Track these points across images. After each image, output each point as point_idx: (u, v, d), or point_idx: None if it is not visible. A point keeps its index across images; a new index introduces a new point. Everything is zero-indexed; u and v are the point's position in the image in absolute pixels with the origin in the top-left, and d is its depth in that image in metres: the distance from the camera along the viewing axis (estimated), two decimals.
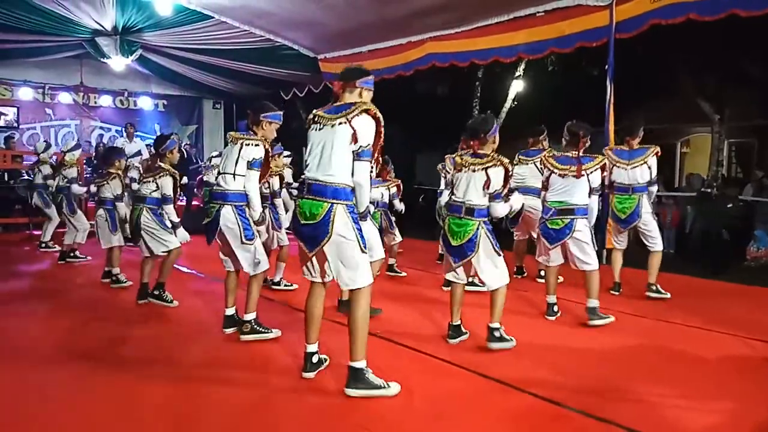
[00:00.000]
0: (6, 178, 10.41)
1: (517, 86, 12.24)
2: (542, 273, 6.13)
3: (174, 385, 3.20)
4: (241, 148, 3.93)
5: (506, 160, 3.76)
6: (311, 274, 3.22)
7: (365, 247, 3.06)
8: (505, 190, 3.79)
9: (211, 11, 8.95)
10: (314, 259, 3.16)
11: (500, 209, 3.78)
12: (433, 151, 12.59)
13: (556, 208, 4.46)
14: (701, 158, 12.89)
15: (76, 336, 4.09)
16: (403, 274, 6.44)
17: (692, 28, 6.43)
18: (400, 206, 6.38)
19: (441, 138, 13.17)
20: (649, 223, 5.34)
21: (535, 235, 6.13)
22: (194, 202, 11.34)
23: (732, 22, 6.06)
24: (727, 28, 7.00)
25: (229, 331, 4.14)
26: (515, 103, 12.38)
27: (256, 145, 3.92)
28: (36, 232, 8.47)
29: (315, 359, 3.26)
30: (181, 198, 5.54)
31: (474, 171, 3.77)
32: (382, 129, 3.06)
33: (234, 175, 3.95)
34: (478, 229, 3.76)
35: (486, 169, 3.72)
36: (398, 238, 6.30)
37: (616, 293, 5.50)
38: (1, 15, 8.50)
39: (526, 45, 7.79)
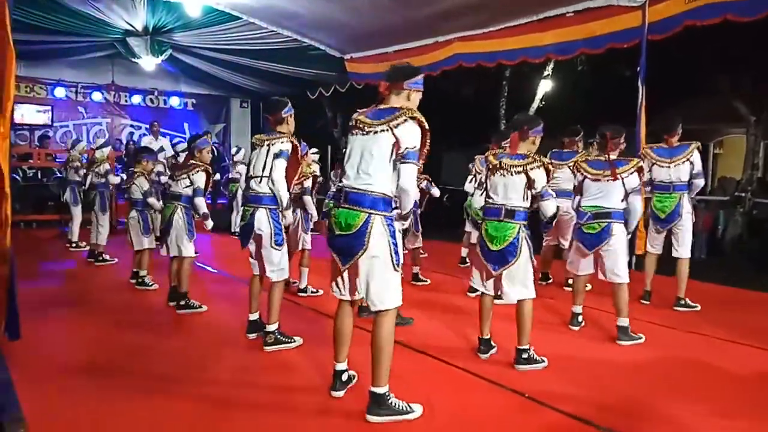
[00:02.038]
0: (39, 176, 10.70)
1: (545, 86, 12.08)
2: (570, 281, 6.04)
3: (198, 403, 3.10)
4: (268, 149, 3.93)
5: (546, 160, 3.66)
6: (340, 291, 3.06)
7: (398, 265, 2.89)
8: (548, 188, 3.68)
9: (239, 12, 9.02)
10: (345, 274, 2.99)
11: (551, 206, 3.65)
12: (460, 151, 12.52)
13: (592, 213, 4.33)
14: (735, 160, 12.55)
15: (102, 346, 4.02)
16: (427, 281, 6.35)
17: (727, 27, 6.24)
18: (436, 191, 6.41)
19: (467, 137, 13.10)
20: (684, 225, 5.19)
21: (563, 241, 6.04)
22: (219, 201, 11.48)
23: None
24: (764, 28, 6.78)
25: (253, 336, 4.14)
26: (543, 103, 12.21)
27: (282, 142, 3.92)
28: (67, 229, 8.65)
29: (345, 377, 3.13)
30: (207, 198, 5.53)
31: (513, 174, 3.64)
32: (428, 138, 2.88)
33: (263, 177, 3.93)
34: (519, 232, 3.63)
35: (526, 171, 3.61)
36: (419, 241, 6.24)
37: (646, 302, 5.36)
38: (38, 17, 8.70)
39: (555, 45, 7.66)
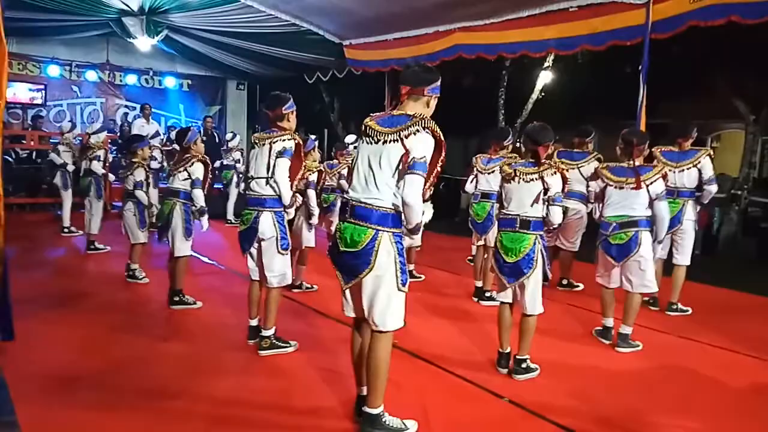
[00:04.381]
0: (33, 157, 10.57)
1: (545, 77, 11.98)
2: (564, 282, 6.04)
3: (191, 418, 3.01)
4: (270, 147, 3.76)
5: (562, 166, 3.62)
6: (349, 309, 2.90)
7: (404, 285, 2.73)
8: (563, 195, 3.61)
9: None
10: (347, 292, 2.85)
11: (559, 214, 3.55)
12: (457, 140, 12.48)
13: (618, 222, 4.18)
14: (732, 155, 12.58)
15: (95, 348, 3.91)
16: (422, 277, 6.30)
17: (729, 27, 6.18)
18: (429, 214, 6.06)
19: (465, 127, 13.02)
20: (686, 233, 5.13)
21: (566, 243, 5.99)
22: (216, 185, 11.37)
23: None
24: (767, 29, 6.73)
25: (254, 342, 4.02)
26: (542, 94, 12.12)
27: (285, 139, 3.76)
28: (60, 213, 8.56)
29: None
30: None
31: (529, 181, 3.56)
32: (444, 150, 2.68)
33: (268, 179, 3.78)
34: (535, 243, 3.54)
35: (543, 177, 3.53)
36: (418, 242, 6.16)
37: (655, 308, 5.30)
38: None
39: (557, 40, 7.56)
